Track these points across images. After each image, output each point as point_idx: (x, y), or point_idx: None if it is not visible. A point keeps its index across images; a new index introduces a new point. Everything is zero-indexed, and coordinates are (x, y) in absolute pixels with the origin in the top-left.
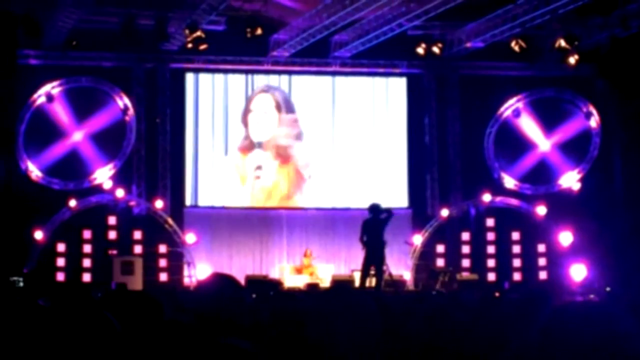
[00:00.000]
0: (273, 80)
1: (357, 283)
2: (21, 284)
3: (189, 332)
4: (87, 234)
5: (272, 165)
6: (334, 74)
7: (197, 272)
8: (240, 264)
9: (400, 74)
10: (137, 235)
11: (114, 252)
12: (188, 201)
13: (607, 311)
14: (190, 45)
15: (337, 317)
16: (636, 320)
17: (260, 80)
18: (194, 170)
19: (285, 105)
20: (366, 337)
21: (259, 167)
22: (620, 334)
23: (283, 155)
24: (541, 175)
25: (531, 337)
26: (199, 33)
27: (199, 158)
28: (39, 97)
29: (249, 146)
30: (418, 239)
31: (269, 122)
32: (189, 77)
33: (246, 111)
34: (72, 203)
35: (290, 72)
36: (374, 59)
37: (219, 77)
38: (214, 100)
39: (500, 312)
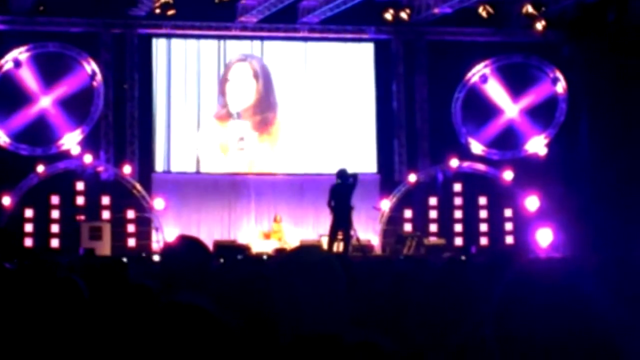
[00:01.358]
0: (244, 46)
1: (324, 248)
2: None
3: (155, 295)
4: (55, 200)
5: (252, 135)
6: (302, 39)
7: (165, 237)
8: (209, 230)
9: (368, 40)
10: (105, 200)
11: (82, 217)
12: (157, 167)
13: (571, 268)
14: (158, 11)
15: (300, 278)
16: (600, 283)
17: (232, 46)
18: (167, 136)
19: (263, 74)
20: (331, 297)
21: (241, 139)
22: (583, 292)
23: (262, 125)
24: (508, 141)
25: (495, 296)
26: None
27: (171, 124)
28: (6, 62)
29: (227, 115)
30: (386, 204)
31: (247, 91)
32: (156, 43)
33: (224, 80)
34: (40, 169)
35: (257, 38)
36: (341, 25)
37: (188, 42)
38: (184, 66)
39: (466, 275)
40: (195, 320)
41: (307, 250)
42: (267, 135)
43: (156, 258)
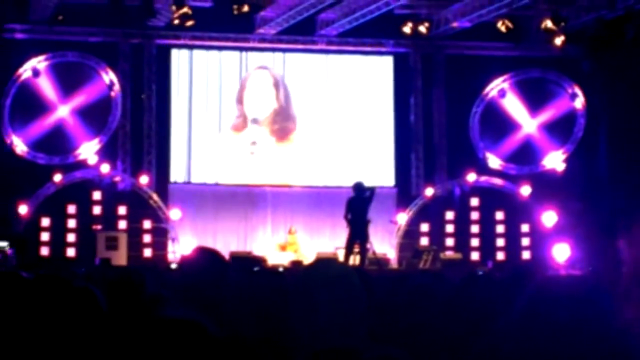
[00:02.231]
0: (265, 58)
1: (340, 261)
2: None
3: (172, 306)
4: (71, 209)
5: (268, 140)
6: (320, 52)
7: (182, 247)
8: (225, 241)
9: (386, 53)
10: (122, 210)
11: (99, 227)
12: (177, 178)
13: (589, 285)
14: (176, 22)
15: (320, 291)
16: (614, 300)
17: (252, 58)
18: (188, 147)
19: (283, 84)
20: (350, 311)
21: (253, 143)
22: (603, 309)
23: (280, 133)
24: (526, 156)
25: (515, 311)
26: (185, 9)
27: (192, 135)
28: (25, 71)
29: (243, 124)
30: (402, 218)
31: (266, 98)
32: (175, 54)
33: (242, 88)
34: (57, 178)
35: (276, 50)
36: (360, 38)
37: (205, 53)
38: (203, 77)
39: (484, 290)
40: (187, 335)
41: (325, 264)
42: (285, 145)
43: (173, 268)
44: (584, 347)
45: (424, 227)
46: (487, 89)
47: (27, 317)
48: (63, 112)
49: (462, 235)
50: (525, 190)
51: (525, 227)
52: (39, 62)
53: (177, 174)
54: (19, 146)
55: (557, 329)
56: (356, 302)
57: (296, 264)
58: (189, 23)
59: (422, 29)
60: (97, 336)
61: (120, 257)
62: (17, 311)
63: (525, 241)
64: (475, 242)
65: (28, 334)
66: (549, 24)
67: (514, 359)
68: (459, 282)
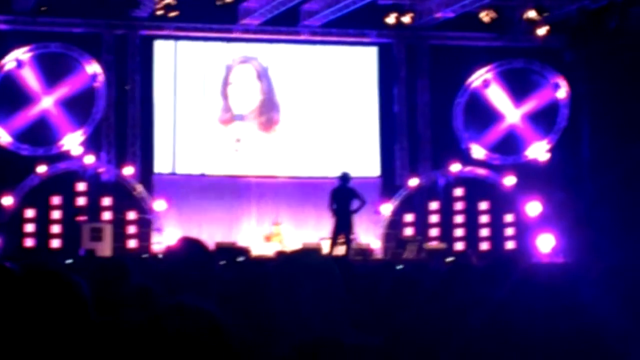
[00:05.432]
0: (249, 49)
1: (325, 251)
2: None
3: (157, 296)
4: (56, 200)
5: (258, 136)
6: (304, 42)
7: (167, 238)
8: (210, 232)
9: (370, 44)
10: (106, 201)
11: (83, 218)
12: (162, 168)
13: (571, 274)
14: (160, 12)
15: (300, 281)
16: (602, 289)
17: (235, 48)
18: (173, 137)
19: (265, 74)
20: (330, 300)
21: (237, 140)
22: (584, 298)
23: (267, 125)
24: (510, 146)
25: (497, 298)
26: (169, 0)
27: (176, 126)
28: (8, 62)
29: (231, 118)
30: (387, 208)
31: (252, 93)
32: (158, 44)
33: (225, 83)
34: (41, 169)
35: (259, 41)
36: (344, 28)
37: (189, 44)
38: (185, 68)
39: (468, 279)
40: (201, 323)
41: (305, 254)
42: (270, 136)
43: (158, 258)
44: (563, 336)
45: (409, 217)
46: (471, 79)
47: (10, 308)
48: (47, 103)
49: (446, 225)
50: (510, 180)
51: (509, 217)
52: (22, 53)
53: (161, 164)
54: (3, 137)
55: (537, 317)
56: (335, 291)
57: (281, 255)
58: (173, 14)
59: (406, 19)
60: (81, 326)
61: (104, 248)
62: (2, 302)
63: (510, 231)
64: (459, 232)
65: (12, 325)
66: (532, 14)
67: (492, 347)
68: (444, 271)
